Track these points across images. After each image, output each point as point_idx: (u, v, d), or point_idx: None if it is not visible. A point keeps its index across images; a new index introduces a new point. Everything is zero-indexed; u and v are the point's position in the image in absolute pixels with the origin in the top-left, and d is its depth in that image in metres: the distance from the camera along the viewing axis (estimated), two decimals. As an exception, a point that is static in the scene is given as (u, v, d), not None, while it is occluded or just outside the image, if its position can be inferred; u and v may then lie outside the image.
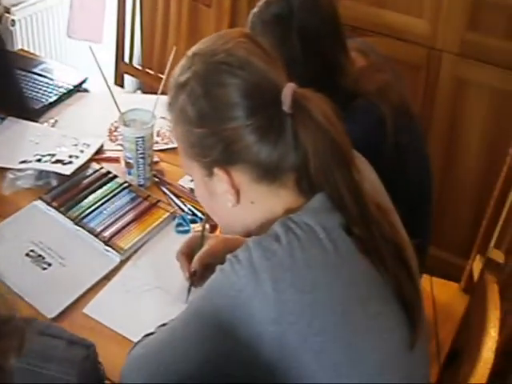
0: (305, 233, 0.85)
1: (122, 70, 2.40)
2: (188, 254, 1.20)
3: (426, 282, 1.65)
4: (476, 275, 1.62)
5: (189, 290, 1.18)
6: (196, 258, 1.17)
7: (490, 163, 2.00)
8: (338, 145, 0.88)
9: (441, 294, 1.59)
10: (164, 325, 0.99)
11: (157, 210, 1.39)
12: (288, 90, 0.88)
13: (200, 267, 1.17)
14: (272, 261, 0.83)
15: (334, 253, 0.85)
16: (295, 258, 0.83)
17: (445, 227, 2.14)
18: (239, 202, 0.93)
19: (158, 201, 1.41)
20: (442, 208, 2.13)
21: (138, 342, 1.02)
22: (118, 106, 1.44)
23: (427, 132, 2.09)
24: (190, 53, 0.95)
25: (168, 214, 1.37)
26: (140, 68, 2.39)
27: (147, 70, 2.35)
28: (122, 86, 2.40)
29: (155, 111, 1.44)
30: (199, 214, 1.36)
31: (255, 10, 1.30)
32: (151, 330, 1.01)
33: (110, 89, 1.43)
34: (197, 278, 1.18)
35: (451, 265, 1.94)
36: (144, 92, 2.63)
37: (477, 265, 1.63)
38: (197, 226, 1.33)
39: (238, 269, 0.84)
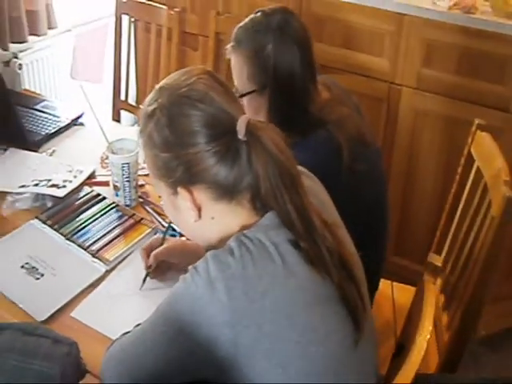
0: (256, 247, 0.89)
1: (118, 106, 2.47)
2: (148, 251, 1.27)
3: (387, 286, 1.69)
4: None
5: (144, 280, 1.27)
6: (152, 254, 1.25)
7: (445, 182, 2.04)
8: (286, 169, 0.93)
9: (400, 297, 1.62)
10: (139, 325, 1.03)
11: (140, 226, 1.44)
12: (242, 120, 0.93)
13: (154, 262, 1.25)
14: (226, 272, 0.87)
15: (281, 265, 0.89)
16: (247, 270, 0.87)
17: (406, 238, 2.19)
18: (201, 217, 0.98)
19: (142, 218, 1.46)
20: (403, 222, 2.18)
21: (116, 339, 1.05)
22: (105, 136, 1.50)
23: (390, 157, 2.15)
24: (157, 86, 1.01)
25: (150, 229, 1.42)
26: (135, 104, 2.46)
27: (141, 106, 2.40)
28: (118, 120, 2.47)
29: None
30: (178, 229, 1.41)
31: (240, 24, 1.38)
32: (128, 330, 1.04)
33: (98, 121, 1.50)
34: (152, 271, 1.26)
35: (412, 271, 1.98)
36: (139, 126, 2.69)
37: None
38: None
39: (197, 279, 0.88)
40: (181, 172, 0.94)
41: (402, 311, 1.57)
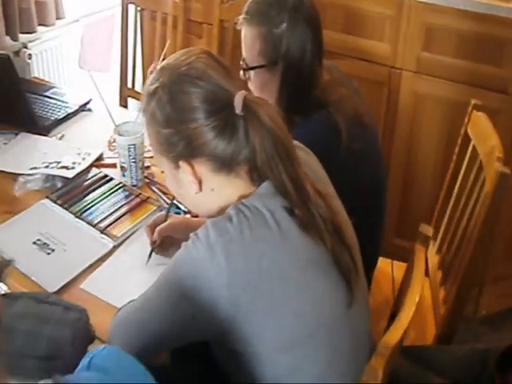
0: (253, 214, 0.95)
1: (125, 93, 2.54)
2: (152, 227, 1.32)
3: (388, 265, 1.75)
4: (430, 259, 1.71)
5: (149, 255, 1.32)
6: (157, 230, 1.30)
7: (445, 164, 2.07)
8: (281, 142, 0.98)
9: (400, 275, 1.66)
10: (144, 294, 1.09)
11: (146, 205, 1.50)
12: (239, 96, 0.98)
13: (159, 238, 1.30)
14: (225, 237, 0.93)
15: (277, 230, 0.95)
16: (244, 235, 0.93)
17: (407, 219, 2.23)
18: (201, 189, 1.03)
19: (148, 197, 1.52)
20: (405, 204, 2.22)
21: (122, 306, 1.11)
22: (112, 119, 1.55)
23: (391, 140, 2.20)
24: (158, 67, 1.06)
25: (155, 207, 1.48)
26: (141, 92, 2.51)
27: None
28: (125, 106, 2.53)
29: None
30: (182, 208, 1.46)
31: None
32: (134, 298, 1.10)
33: (105, 103, 1.55)
34: (157, 246, 1.31)
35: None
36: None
37: (430, 249, 1.72)
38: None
39: (198, 245, 0.94)
40: (182, 146, 1.00)
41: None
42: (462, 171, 1.62)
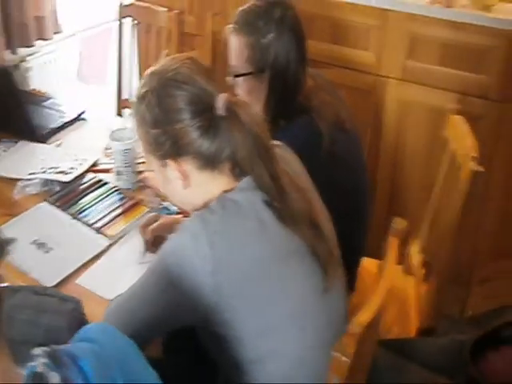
0: (235, 206, 1.03)
1: (121, 104, 2.62)
2: (145, 227, 1.41)
3: (374, 265, 1.81)
4: (413, 258, 1.78)
5: (143, 254, 1.40)
6: (149, 229, 1.38)
7: (430, 168, 2.16)
8: (260, 140, 1.07)
9: (385, 274, 1.74)
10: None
11: (139, 207, 1.58)
12: (221, 98, 1.07)
13: (151, 237, 1.38)
14: (208, 228, 1.01)
15: (257, 221, 1.03)
16: (226, 225, 1.02)
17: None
18: (188, 185, 1.11)
19: (141, 200, 1.60)
20: (393, 207, 2.30)
21: (113, 299, 1.19)
22: (108, 125, 1.64)
23: (377, 146, 2.27)
24: (148, 72, 1.15)
25: (148, 209, 1.56)
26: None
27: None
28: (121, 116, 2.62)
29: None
30: (172, 209, 1.54)
31: (243, 8, 1.48)
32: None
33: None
34: (149, 245, 1.39)
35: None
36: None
37: (413, 249, 1.80)
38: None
39: (183, 235, 1.03)
40: (169, 145, 1.08)
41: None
42: (443, 172, 1.70)
